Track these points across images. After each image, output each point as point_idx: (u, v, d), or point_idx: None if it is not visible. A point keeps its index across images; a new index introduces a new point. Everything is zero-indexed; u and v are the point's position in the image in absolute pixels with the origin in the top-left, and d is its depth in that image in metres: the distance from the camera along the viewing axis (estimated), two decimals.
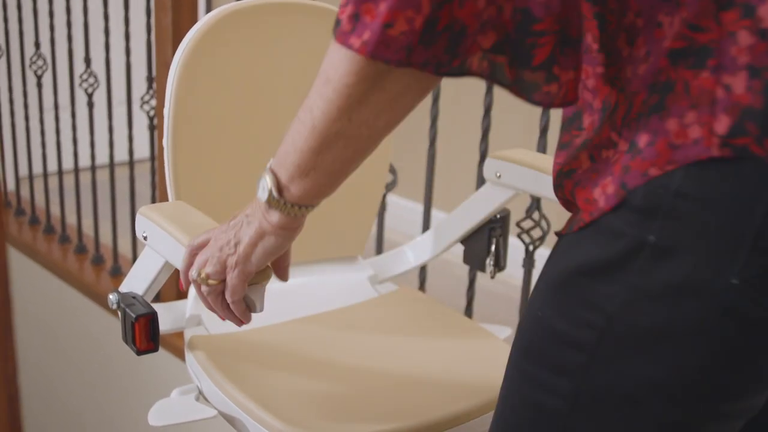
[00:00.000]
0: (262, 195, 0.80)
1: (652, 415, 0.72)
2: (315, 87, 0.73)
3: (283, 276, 0.93)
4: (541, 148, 1.52)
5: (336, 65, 0.70)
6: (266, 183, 0.80)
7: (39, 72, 2.58)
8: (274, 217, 0.81)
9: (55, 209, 2.71)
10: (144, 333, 0.99)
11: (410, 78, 0.70)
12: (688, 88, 0.66)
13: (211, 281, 0.86)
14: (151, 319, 0.98)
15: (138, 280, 1.04)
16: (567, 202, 0.78)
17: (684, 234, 0.67)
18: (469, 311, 1.64)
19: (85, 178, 2.52)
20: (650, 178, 0.67)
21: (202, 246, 0.88)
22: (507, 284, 2.33)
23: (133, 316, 0.98)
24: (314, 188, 0.78)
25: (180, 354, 2.03)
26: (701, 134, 0.65)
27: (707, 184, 0.66)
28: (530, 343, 0.77)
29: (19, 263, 2.76)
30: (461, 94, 2.48)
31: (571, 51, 0.71)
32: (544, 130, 1.52)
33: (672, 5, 0.66)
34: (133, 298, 1.02)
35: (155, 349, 1.00)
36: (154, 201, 2.18)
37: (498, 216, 1.30)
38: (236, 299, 0.87)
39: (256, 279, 0.86)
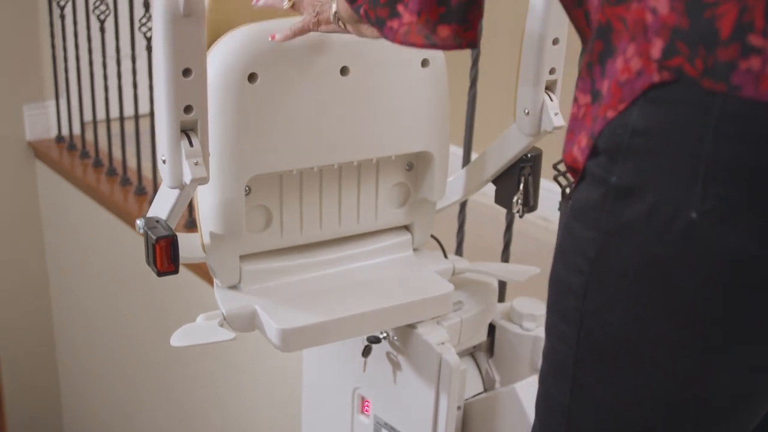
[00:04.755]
0: None
1: (651, 363, 0.71)
2: None
3: None
4: None
5: None
6: None
7: (102, 17, 2.63)
8: None
9: (116, 152, 2.78)
10: (165, 255, 1.01)
11: None
12: (626, 22, 0.66)
13: None
14: (171, 241, 1.01)
15: (161, 206, 1.07)
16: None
17: (642, 171, 0.66)
18: (506, 254, 1.64)
19: (145, 124, 2.57)
20: (608, 121, 0.68)
21: None
22: (545, 229, 2.32)
23: (154, 238, 1.01)
24: None
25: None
26: (641, 64, 0.65)
27: (656, 116, 0.65)
28: (550, 288, 0.79)
29: (80, 203, 2.84)
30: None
31: None
32: None
33: None
34: (156, 222, 1.05)
35: (175, 271, 1.02)
36: None
37: (529, 155, 1.29)
38: None
39: None
